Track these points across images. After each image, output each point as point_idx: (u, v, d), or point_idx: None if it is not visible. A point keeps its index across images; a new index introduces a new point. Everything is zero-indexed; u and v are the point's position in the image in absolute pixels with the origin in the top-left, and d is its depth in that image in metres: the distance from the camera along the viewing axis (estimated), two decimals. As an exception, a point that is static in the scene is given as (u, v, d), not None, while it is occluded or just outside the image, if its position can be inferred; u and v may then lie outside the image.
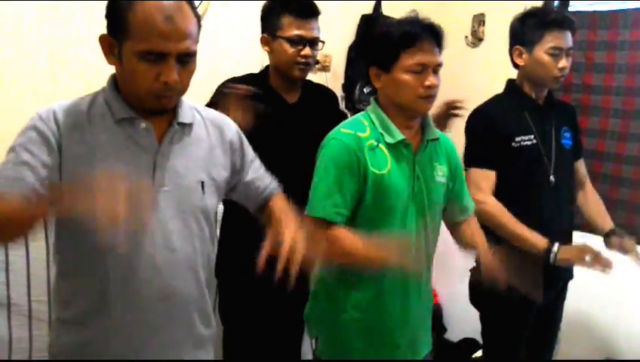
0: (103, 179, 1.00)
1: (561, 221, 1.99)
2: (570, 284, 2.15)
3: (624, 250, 1.97)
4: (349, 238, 1.48)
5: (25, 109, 2.13)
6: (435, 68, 1.50)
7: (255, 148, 1.48)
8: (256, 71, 2.11)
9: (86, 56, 2.25)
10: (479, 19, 3.14)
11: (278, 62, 1.96)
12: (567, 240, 2.05)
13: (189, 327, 1.32)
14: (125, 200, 0.97)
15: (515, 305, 1.87)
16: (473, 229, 1.74)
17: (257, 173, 1.46)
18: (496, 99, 2.03)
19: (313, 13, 1.94)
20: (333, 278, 1.62)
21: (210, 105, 1.54)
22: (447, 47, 1.54)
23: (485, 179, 1.88)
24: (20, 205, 1.06)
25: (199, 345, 1.36)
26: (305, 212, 1.50)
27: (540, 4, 2.58)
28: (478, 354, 2.88)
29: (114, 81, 1.25)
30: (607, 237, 2.04)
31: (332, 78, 2.97)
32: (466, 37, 3.18)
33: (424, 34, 1.48)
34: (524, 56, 1.93)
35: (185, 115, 1.28)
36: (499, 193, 1.89)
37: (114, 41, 1.17)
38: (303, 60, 1.93)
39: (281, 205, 1.43)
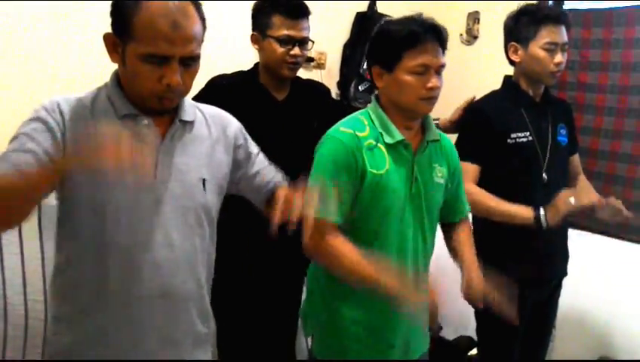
0: (107, 132, 1.01)
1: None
2: (565, 282, 2.16)
3: (614, 212, 1.90)
4: (349, 255, 1.46)
5: (24, 110, 2.12)
6: (438, 69, 1.49)
7: None
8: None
9: (86, 55, 2.25)
10: (474, 17, 3.15)
11: (268, 61, 1.97)
12: (560, 237, 2.05)
13: (188, 325, 1.32)
14: (130, 149, 0.99)
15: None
16: (465, 239, 1.73)
17: (262, 166, 1.46)
18: (493, 95, 2.04)
19: (303, 13, 1.95)
20: (329, 277, 1.61)
21: (196, 98, 1.54)
22: (444, 46, 1.54)
23: (469, 171, 1.88)
24: (20, 175, 1.06)
25: (198, 342, 1.35)
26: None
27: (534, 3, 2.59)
28: (474, 352, 2.88)
29: (117, 77, 1.25)
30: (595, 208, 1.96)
31: (327, 76, 2.97)
32: (461, 35, 3.19)
33: (428, 35, 1.47)
34: (519, 52, 1.93)
35: (187, 113, 1.29)
36: (492, 188, 1.89)
37: (118, 40, 1.17)
38: (292, 60, 1.94)
39: (287, 191, 1.40)
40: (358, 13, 3.07)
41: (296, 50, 1.93)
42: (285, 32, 1.91)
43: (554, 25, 1.88)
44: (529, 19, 1.90)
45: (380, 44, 1.55)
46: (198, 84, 1.91)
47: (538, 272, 1.99)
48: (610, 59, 2.62)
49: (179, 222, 1.25)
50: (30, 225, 2.06)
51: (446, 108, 1.99)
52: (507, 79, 2.04)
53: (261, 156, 1.47)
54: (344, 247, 1.47)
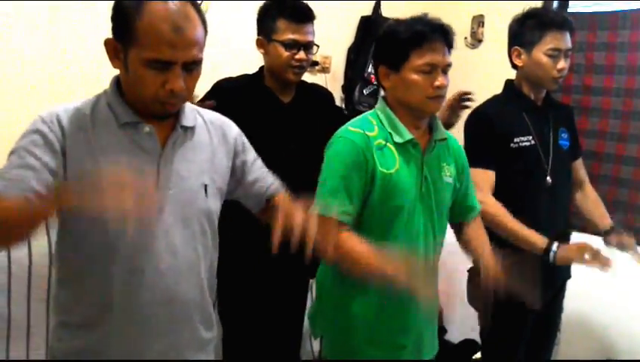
0: (110, 173, 1.00)
1: (556, 221, 1.98)
2: (570, 285, 2.15)
3: (623, 247, 1.96)
4: (357, 248, 1.45)
5: (25, 109, 2.14)
6: (445, 68, 1.50)
7: None
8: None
9: (87, 56, 2.25)
10: (478, 21, 3.15)
11: (273, 65, 1.98)
12: (563, 240, 2.05)
13: (192, 331, 1.32)
14: (133, 195, 0.97)
15: (513, 306, 1.87)
16: (478, 231, 1.73)
17: (259, 173, 1.45)
18: (495, 99, 2.04)
19: (308, 17, 1.96)
20: (338, 278, 1.61)
21: (202, 101, 1.54)
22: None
23: (485, 179, 1.88)
24: (23, 204, 1.05)
25: (201, 348, 1.35)
26: (310, 210, 1.50)
27: (539, 5, 2.59)
28: (478, 355, 2.87)
29: (116, 84, 1.24)
30: (606, 235, 2.03)
31: (331, 80, 2.98)
32: (466, 38, 3.19)
33: (434, 34, 1.48)
34: (522, 57, 1.94)
35: (187, 118, 1.28)
36: (496, 193, 1.89)
37: (119, 45, 1.15)
38: (297, 64, 1.95)
39: (286, 199, 1.39)
40: (362, 17, 3.07)
41: (301, 54, 1.94)
42: (290, 36, 1.92)
43: (558, 31, 1.88)
44: (534, 23, 1.90)
45: (386, 44, 1.56)
46: (204, 87, 1.94)
47: (542, 274, 1.99)
48: (615, 62, 2.62)
49: (182, 229, 1.25)
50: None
51: (449, 110, 1.99)
52: (509, 83, 2.04)
53: (259, 162, 1.46)
54: (350, 240, 1.46)
